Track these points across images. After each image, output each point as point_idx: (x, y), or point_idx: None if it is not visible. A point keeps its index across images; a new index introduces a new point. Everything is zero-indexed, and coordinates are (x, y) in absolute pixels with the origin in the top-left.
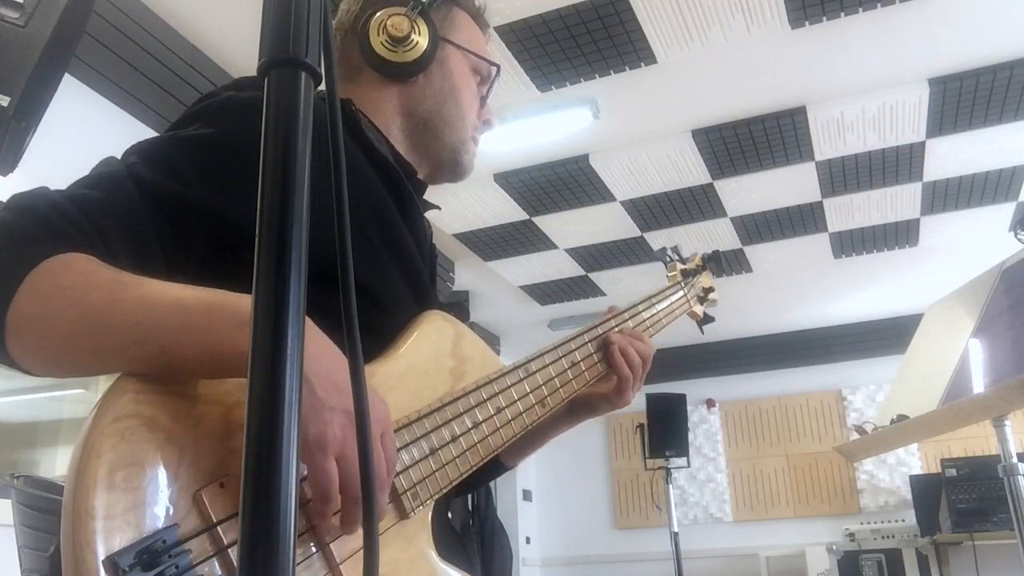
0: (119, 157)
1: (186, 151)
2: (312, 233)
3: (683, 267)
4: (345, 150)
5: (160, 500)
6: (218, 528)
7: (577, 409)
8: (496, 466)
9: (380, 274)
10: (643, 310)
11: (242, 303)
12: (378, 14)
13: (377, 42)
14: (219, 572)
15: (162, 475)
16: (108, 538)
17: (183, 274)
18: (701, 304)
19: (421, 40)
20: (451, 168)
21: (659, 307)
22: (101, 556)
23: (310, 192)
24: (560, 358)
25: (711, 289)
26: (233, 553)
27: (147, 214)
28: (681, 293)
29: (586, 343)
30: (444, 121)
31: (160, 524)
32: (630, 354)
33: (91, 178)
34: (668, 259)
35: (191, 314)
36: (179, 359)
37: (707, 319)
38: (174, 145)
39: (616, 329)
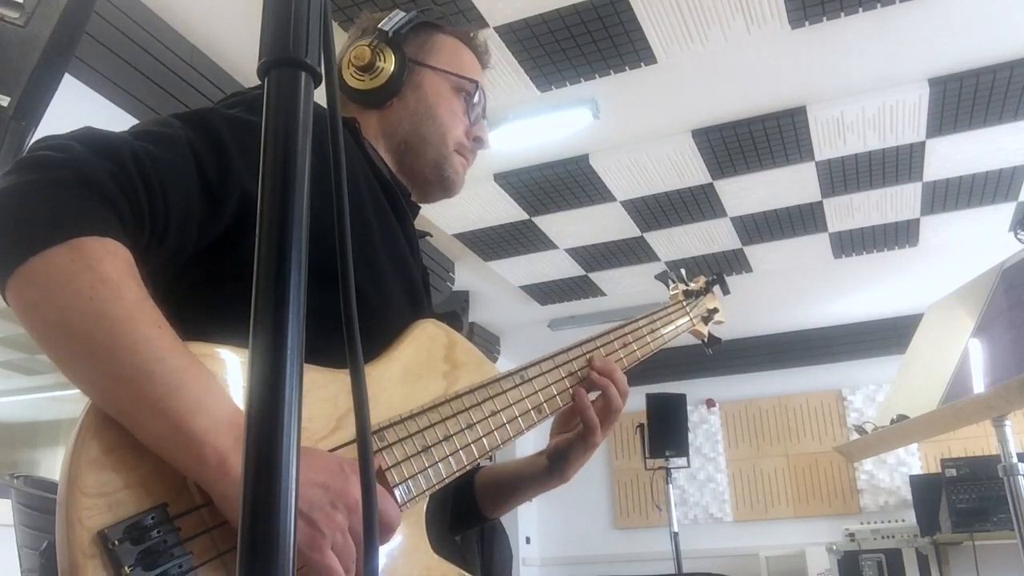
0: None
1: (230, 128)
2: (314, 232)
3: (686, 288)
4: (353, 159)
5: (152, 480)
6: (206, 508)
7: (557, 464)
8: (477, 516)
9: (378, 278)
10: (644, 325)
11: (231, 410)
12: (350, 48)
13: (347, 74)
14: (207, 548)
15: (154, 458)
16: (99, 514)
17: (209, 240)
18: (706, 324)
19: (387, 66)
20: (439, 184)
21: (659, 323)
22: (92, 532)
23: (311, 192)
24: (556, 367)
25: (716, 310)
26: (221, 532)
27: (197, 181)
28: (683, 311)
29: (583, 355)
30: (422, 139)
31: (151, 503)
32: (604, 403)
33: (154, 134)
34: (671, 281)
35: (186, 388)
36: (145, 409)
37: (713, 340)
38: (221, 121)
39: (605, 350)
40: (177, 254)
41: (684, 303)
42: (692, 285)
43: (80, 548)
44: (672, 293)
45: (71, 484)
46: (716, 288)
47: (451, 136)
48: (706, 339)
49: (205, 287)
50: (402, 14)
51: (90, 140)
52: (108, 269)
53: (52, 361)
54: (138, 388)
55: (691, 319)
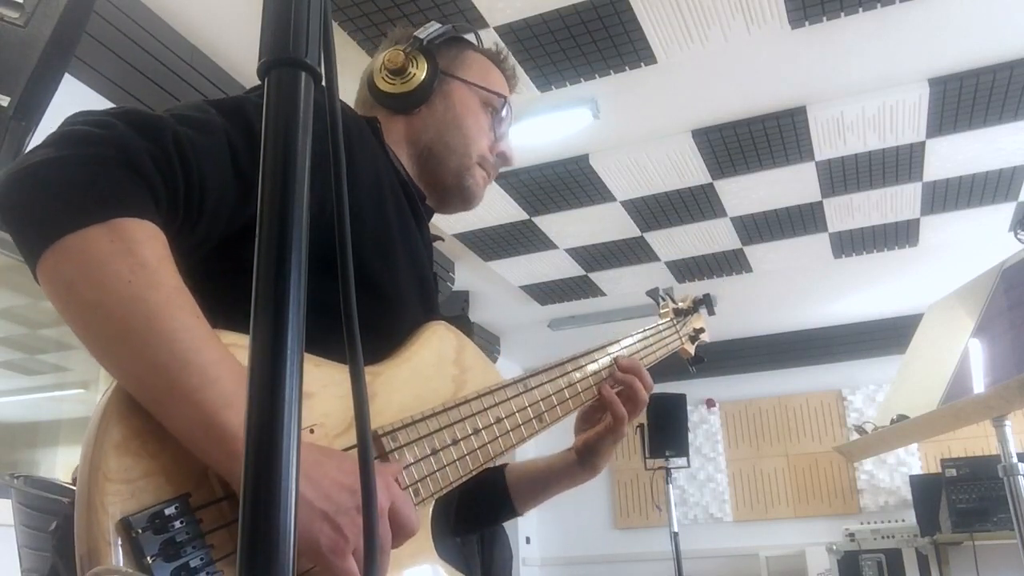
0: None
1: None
2: (323, 221)
3: (675, 306)
4: (376, 156)
5: (174, 469)
6: (226, 501)
7: (586, 458)
8: (508, 510)
9: (393, 274)
10: (637, 341)
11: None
12: (383, 54)
13: (379, 77)
14: (226, 542)
15: (177, 445)
16: (123, 501)
17: (234, 229)
18: (692, 343)
19: (419, 72)
20: (459, 194)
21: (652, 340)
22: (115, 518)
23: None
24: (558, 377)
25: (702, 330)
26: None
27: (231, 170)
28: (673, 330)
29: (583, 366)
30: (447, 147)
31: (174, 492)
32: (630, 396)
33: (193, 119)
34: (661, 299)
35: (222, 381)
36: (178, 398)
37: (697, 359)
38: (254, 111)
39: (615, 357)
40: (203, 242)
41: (674, 322)
42: (681, 304)
43: (102, 534)
44: (662, 311)
45: (94, 468)
46: (702, 309)
47: (475, 148)
48: (691, 357)
49: (224, 277)
50: (438, 25)
51: (133, 119)
52: (148, 253)
53: (82, 341)
54: (173, 377)
55: (680, 338)
